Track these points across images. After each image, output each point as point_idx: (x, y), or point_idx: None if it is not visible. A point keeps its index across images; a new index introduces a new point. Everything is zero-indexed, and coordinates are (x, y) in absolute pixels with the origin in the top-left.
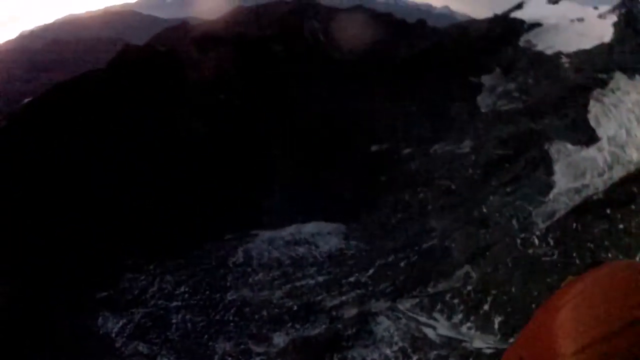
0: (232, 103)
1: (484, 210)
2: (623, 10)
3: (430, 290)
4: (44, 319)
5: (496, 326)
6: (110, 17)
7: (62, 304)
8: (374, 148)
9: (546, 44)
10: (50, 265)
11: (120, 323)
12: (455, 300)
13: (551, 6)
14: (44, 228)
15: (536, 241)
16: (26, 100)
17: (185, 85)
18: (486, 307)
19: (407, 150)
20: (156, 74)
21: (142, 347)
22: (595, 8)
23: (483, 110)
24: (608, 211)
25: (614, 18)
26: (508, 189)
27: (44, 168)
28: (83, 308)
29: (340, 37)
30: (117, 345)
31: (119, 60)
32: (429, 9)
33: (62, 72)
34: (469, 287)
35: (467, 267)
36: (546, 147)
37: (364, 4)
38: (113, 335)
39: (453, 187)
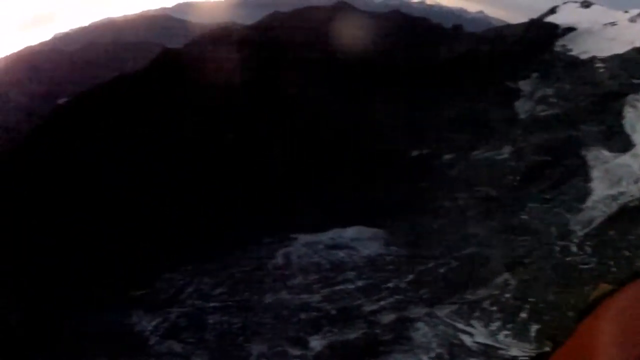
0: (271, 107)
1: (524, 217)
2: None
3: (468, 297)
4: (76, 315)
5: (532, 334)
6: (147, 22)
7: (95, 302)
8: (414, 153)
9: (580, 48)
10: (86, 262)
11: (155, 322)
12: (494, 308)
13: (583, 10)
14: (80, 225)
15: (574, 249)
16: (61, 100)
17: (224, 89)
18: (523, 314)
19: (447, 156)
20: (193, 77)
21: (176, 347)
22: (626, 12)
23: (522, 116)
24: None
25: None
26: (547, 196)
27: (79, 167)
28: (117, 306)
29: (377, 42)
30: (150, 343)
31: (157, 63)
32: (463, 13)
33: (99, 74)
34: (507, 295)
35: (506, 275)
36: (584, 153)
37: (400, 9)
38: (147, 333)
39: (493, 193)
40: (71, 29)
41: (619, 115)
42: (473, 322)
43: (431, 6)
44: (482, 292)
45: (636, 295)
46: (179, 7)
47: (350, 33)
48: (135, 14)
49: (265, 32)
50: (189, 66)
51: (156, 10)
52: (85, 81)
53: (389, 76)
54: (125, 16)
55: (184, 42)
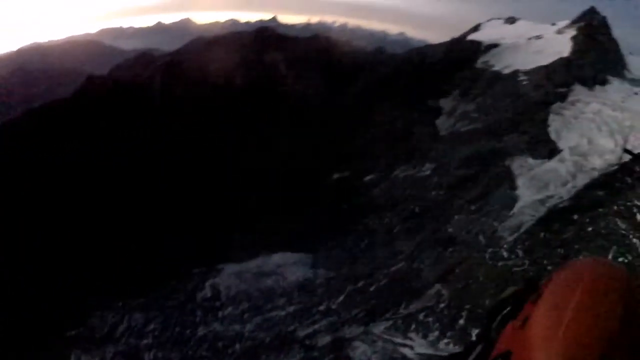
0: (195, 135)
1: (450, 229)
2: (582, 24)
3: (403, 311)
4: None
5: (474, 338)
6: (72, 47)
7: (33, 343)
8: (335, 176)
9: (504, 63)
10: (19, 304)
11: None
12: (430, 319)
13: (508, 26)
14: (10, 267)
15: (505, 254)
16: None
17: (147, 116)
18: (462, 321)
19: (369, 177)
20: (118, 103)
21: None
22: (553, 24)
23: (443, 132)
24: (575, 217)
25: (572, 32)
26: (472, 207)
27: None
28: (55, 346)
29: (301, 66)
30: None
31: (83, 90)
32: (384, 35)
33: (27, 101)
34: (442, 305)
35: (437, 286)
36: (507, 163)
37: (321, 33)
38: None
39: (417, 209)
40: (3, 53)
41: (544, 124)
42: (411, 334)
43: (353, 30)
44: (415, 306)
45: (560, 284)
46: (103, 32)
47: (275, 58)
48: (62, 39)
49: (188, 58)
50: (114, 92)
51: (82, 35)
52: (13, 108)
53: (310, 99)
54: (51, 41)
55: (108, 67)
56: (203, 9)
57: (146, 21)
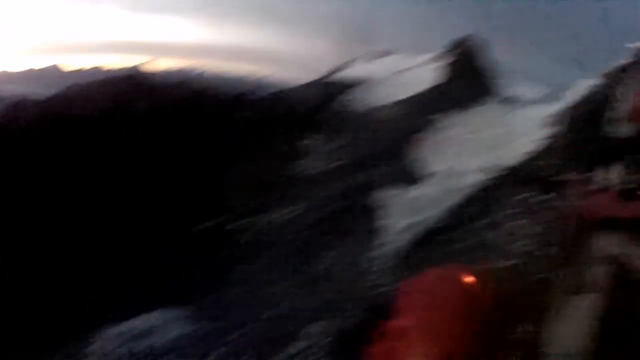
0: (67, 188)
1: (322, 267)
2: (455, 51)
3: (290, 351)
4: None
5: None
6: None
7: None
8: (200, 227)
9: (370, 98)
10: None
11: None
12: (319, 354)
13: (379, 61)
14: None
15: (380, 281)
16: None
17: (22, 163)
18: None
19: (235, 224)
20: None
21: None
22: (424, 54)
23: (308, 172)
24: (446, 236)
25: (445, 60)
26: (343, 241)
27: None
28: None
29: (163, 114)
30: None
31: None
32: (248, 79)
33: None
34: (324, 341)
35: (318, 323)
36: (377, 194)
37: (183, 80)
38: None
39: (289, 251)
40: None
41: (414, 152)
42: None
43: (217, 74)
44: (300, 344)
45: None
46: None
47: (146, 106)
48: None
49: (63, 104)
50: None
51: None
52: None
53: (167, 147)
54: None
55: None
56: (69, 52)
57: (15, 65)
